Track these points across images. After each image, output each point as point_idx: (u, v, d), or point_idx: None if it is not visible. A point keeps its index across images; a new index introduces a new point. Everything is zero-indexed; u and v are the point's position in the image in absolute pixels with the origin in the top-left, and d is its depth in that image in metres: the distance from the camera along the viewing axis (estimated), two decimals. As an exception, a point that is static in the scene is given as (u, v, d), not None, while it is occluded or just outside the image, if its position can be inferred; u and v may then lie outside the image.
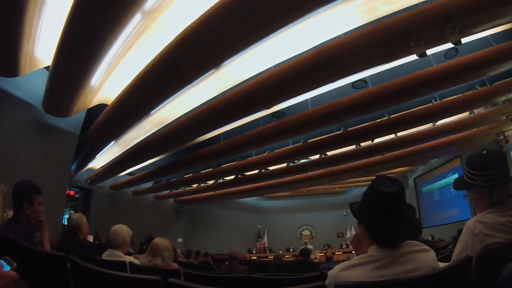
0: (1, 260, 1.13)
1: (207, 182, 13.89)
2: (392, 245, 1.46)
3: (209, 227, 18.19)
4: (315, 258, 11.90)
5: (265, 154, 10.25)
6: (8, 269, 1.13)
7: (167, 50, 5.13)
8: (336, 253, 13.71)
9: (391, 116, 7.77)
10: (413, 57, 4.92)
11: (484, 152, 1.78)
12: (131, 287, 1.72)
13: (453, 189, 9.62)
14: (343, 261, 1.61)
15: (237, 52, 5.04)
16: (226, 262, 6.24)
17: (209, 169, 12.04)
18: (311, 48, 5.46)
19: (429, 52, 4.74)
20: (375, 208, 1.51)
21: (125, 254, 3.52)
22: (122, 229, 3.63)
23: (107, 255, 3.42)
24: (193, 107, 7.49)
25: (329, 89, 6.88)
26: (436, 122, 8.24)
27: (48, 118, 7.89)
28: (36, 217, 2.75)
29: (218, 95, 6.91)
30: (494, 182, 1.69)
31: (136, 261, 3.43)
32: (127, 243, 3.66)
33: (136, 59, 5.91)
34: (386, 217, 1.47)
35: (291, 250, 16.46)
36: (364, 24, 5.07)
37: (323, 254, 13.69)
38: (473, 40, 5.54)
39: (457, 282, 1.39)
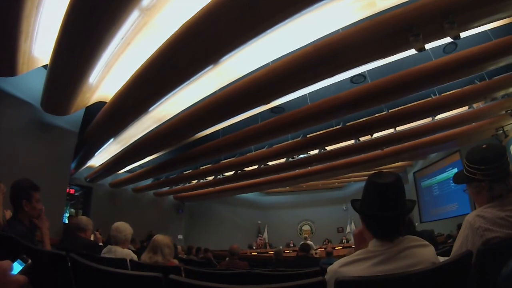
0: (15, 262, 1.12)
1: (207, 178, 13.94)
2: (390, 237, 1.47)
3: (210, 224, 18.21)
4: (315, 253, 11.93)
5: (264, 149, 10.25)
6: (22, 266, 1.12)
7: (165, 47, 5.12)
8: (336, 248, 13.72)
9: (390, 111, 7.77)
10: (412, 51, 4.92)
11: (484, 146, 1.78)
12: (132, 284, 1.72)
13: (452, 184, 9.66)
14: (344, 256, 1.62)
15: (235, 48, 5.03)
16: (227, 258, 6.25)
17: (209, 165, 12.07)
18: (309, 44, 5.46)
19: (428, 46, 4.75)
20: (372, 199, 1.54)
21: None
22: (125, 227, 3.65)
23: (105, 251, 3.44)
24: (192, 104, 7.48)
25: (328, 84, 6.87)
26: (435, 117, 8.25)
27: (47, 117, 7.89)
28: (36, 215, 2.75)
29: (216, 91, 6.91)
30: (493, 176, 1.70)
31: (134, 255, 3.45)
32: (128, 241, 3.68)
33: (134, 56, 5.89)
34: (382, 207, 1.49)
35: (292, 245, 16.50)
36: (362, 19, 5.07)
37: (323, 249, 13.72)
38: (472, 35, 5.54)
39: (457, 276, 1.39)
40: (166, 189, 15.84)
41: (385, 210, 1.48)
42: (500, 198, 1.68)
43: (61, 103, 7.07)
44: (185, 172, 13.29)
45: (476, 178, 1.76)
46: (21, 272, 1.10)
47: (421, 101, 7.36)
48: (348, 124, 8.38)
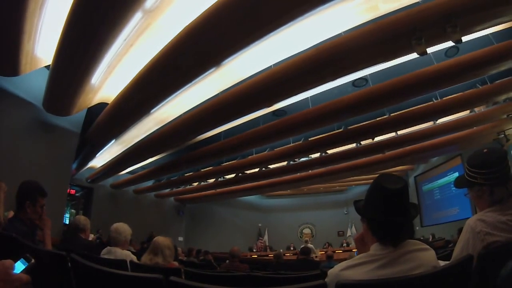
0: (19, 261, 1.12)
1: (208, 180, 13.90)
2: (394, 241, 1.46)
3: (210, 226, 18.20)
4: (316, 257, 11.91)
5: (265, 152, 10.27)
6: (26, 265, 1.12)
7: (167, 49, 5.13)
8: (336, 251, 13.70)
9: (391, 115, 7.77)
10: (414, 55, 4.91)
11: (485, 150, 1.79)
12: (132, 286, 1.72)
13: (453, 188, 9.64)
14: (344, 259, 1.62)
15: (238, 51, 5.04)
16: (227, 261, 6.24)
17: (210, 168, 12.07)
18: (312, 47, 5.47)
19: (429, 50, 4.74)
20: (379, 203, 1.53)
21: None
22: (124, 228, 3.64)
23: (105, 252, 3.43)
24: (194, 106, 7.49)
25: (330, 88, 6.87)
26: (436, 121, 8.24)
27: (49, 117, 7.91)
28: (36, 218, 2.75)
29: (218, 93, 6.92)
30: (494, 181, 1.70)
31: (134, 257, 3.44)
32: (127, 241, 3.68)
33: (136, 58, 5.91)
34: (390, 212, 1.48)
35: (292, 248, 16.47)
36: (365, 23, 5.08)
37: (323, 252, 13.70)
38: (474, 39, 5.55)
39: (458, 280, 1.39)
40: (167, 190, 15.85)
41: (391, 215, 1.48)
42: (501, 202, 1.68)
43: (63, 104, 7.09)
44: (186, 174, 13.29)
45: (477, 182, 1.76)
46: (24, 271, 1.11)
47: (422, 105, 7.35)
48: (349, 127, 8.38)
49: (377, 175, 1.64)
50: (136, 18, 4.81)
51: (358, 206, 1.67)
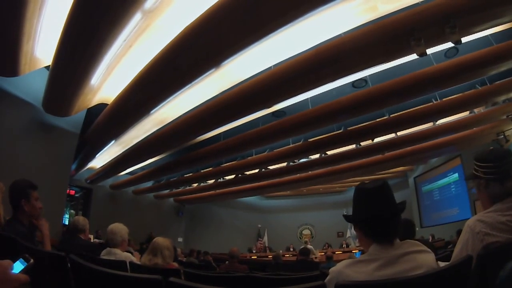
0: (17, 261, 1.12)
1: (207, 181, 13.90)
2: (388, 238, 1.50)
3: (210, 227, 18.19)
4: (315, 258, 11.91)
5: (265, 153, 10.26)
6: (24, 266, 1.12)
7: (167, 50, 5.13)
8: (336, 252, 13.69)
9: (391, 116, 7.77)
10: (413, 56, 4.91)
11: (491, 148, 1.91)
12: (132, 287, 1.72)
13: (453, 188, 9.71)
14: (344, 260, 1.63)
15: (237, 52, 5.03)
16: (227, 261, 6.24)
17: (209, 169, 12.05)
18: (311, 48, 5.46)
19: (429, 51, 4.74)
20: (365, 204, 1.60)
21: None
22: (119, 227, 3.63)
23: (104, 253, 3.43)
24: (193, 107, 7.49)
25: (329, 89, 6.87)
26: (436, 122, 8.24)
27: (48, 117, 7.90)
28: (36, 214, 2.76)
29: (218, 94, 6.91)
30: (492, 175, 1.76)
31: (134, 258, 3.44)
32: (125, 241, 3.67)
33: (136, 59, 5.91)
34: (374, 209, 1.55)
35: (291, 249, 16.44)
36: (364, 24, 5.08)
37: (323, 253, 13.69)
38: (473, 40, 5.55)
39: (457, 281, 1.39)
40: (166, 191, 15.84)
41: (379, 211, 1.53)
42: (501, 201, 1.69)
43: (62, 104, 7.08)
44: (185, 175, 13.28)
45: (477, 175, 1.84)
46: (23, 271, 1.11)
47: (422, 106, 7.35)
48: (349, 128, 8.38)
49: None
50: (136, 19, 4.81)
51: (348, 219, 1.71)
